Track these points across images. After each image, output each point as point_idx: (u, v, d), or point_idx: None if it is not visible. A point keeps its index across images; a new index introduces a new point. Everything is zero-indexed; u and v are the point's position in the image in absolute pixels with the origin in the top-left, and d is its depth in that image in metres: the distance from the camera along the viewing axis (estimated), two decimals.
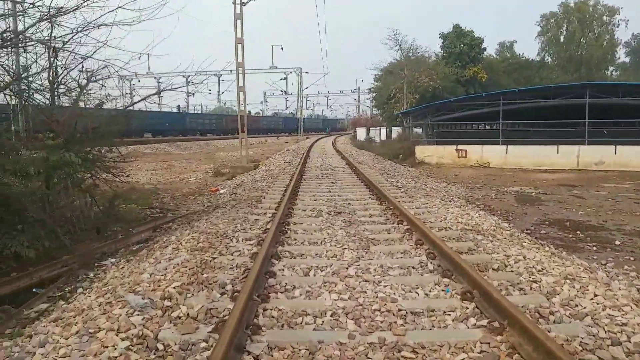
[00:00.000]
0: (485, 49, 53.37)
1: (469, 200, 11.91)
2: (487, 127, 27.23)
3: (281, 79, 67.31)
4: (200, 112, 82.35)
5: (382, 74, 51.02)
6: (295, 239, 6.10)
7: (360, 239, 6.06)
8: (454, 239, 6.12)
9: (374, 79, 56.10)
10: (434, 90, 41.67)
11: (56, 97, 9.21)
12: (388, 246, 5.81)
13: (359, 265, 4.93)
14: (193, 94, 77.42)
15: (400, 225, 6.86)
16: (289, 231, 6.51)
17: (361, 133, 49.04)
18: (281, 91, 70.44)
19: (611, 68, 67.30)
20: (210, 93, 79.11)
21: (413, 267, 4.92)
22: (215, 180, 16.94)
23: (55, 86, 9.12)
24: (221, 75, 76.09)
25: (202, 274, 4.53)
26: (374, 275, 4.60)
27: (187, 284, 4.27)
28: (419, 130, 42.72)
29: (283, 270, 4.80)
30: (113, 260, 6.91)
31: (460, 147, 21.95)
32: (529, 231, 8.61)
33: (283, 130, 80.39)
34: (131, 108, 10.38)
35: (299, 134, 65.03)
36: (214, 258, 5.09)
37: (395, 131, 42.04)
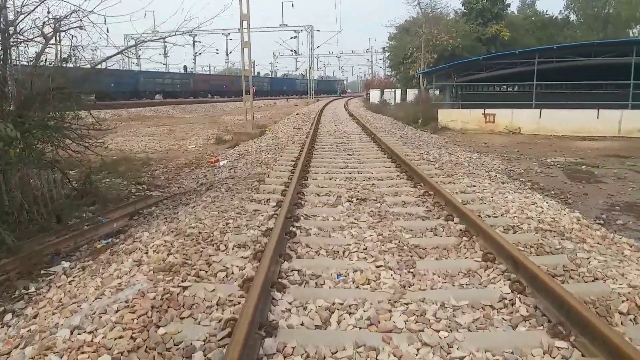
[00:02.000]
0: (509, 5, 50.19)
1: (510, 176, 10.04)
2: (516, 89, 24.89)
3: (291, 38, 64.33)
4: (208, 72, 79.13)
5: (398, 32, 48.25)
6: (307, 247, 4.33)
7: (400, 247, 4.27)
8: (532, 247, 4.30)
9: (389, 37, 53.20)
10: (453, 50, 39.10)
11: (9, 51, 7.36)
12: (443, 262, 4.01)
13: (407, 303, 3.17)
14: (200, 54, 74.99)
15: (449, 222, 5.05)
16: (298, 231, 4.73)
17: (375, 95, 46.69)
18: (291, 51, 67.51)
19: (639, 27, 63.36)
20: (217, 53, 76.54)
21: (493, 308, 3.15)
22: (216, 149, 15.16)
23: (6, 35, 7.26)
24: (229, 34, 73.37)
25: (159, 327, 2.79)
26: (435, 329, 2.84)
27: (127, 350, 2.55)
28: (436, 92, 40.49)
29: (289, 314, 3.05)
30: (66, 265, 5.22)
31: (488, 111, 19.82)
32: (600, 221, 6.78)
33: (296, 92, 77.73)
34: (106, 66, 8.47)
35: (309, 97, 62.55)
36: (185, 288, 3.34)
37: (412, 93, 39.78)
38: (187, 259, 3.91)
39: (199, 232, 4.62)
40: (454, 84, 21.42)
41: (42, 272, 5.10)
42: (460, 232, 4.66)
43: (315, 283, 3.59)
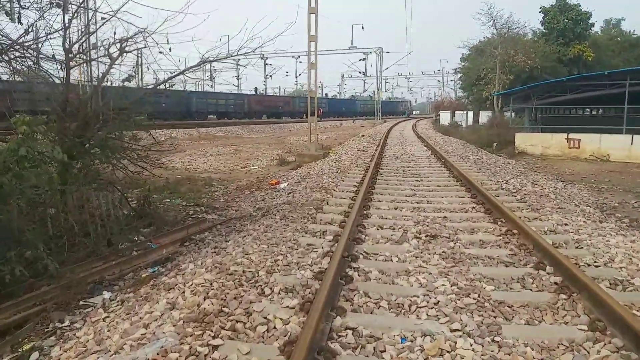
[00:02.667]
0: (592, 25, 47.21)
1: (603, 210, 8.77)
2: (602, 112, 22.86)
3: (360, 60, 64.32)
4: (271, 94, 79.10)
5: (471, 53, 46.79)
6: (365, 295, 3.64)
7: (480, 304, 3.48)
8: None
9: (461, 59, 51.79)
10: (531, 71, 37.04)
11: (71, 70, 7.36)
12: (536, 328, 3.17)
13: None
14: (271, 76, 76.93)
15: (540, 271, 4.16)
16: (355, 274, 4.06)
17: (445, 117, 45.17)
18: (360, 72, 67.47)
19: None
20: (288, 75, 78.20)
21: None
22: (278, 170, 14.84)
23: (70, 55, 7.26)
24: (299, 56, 74.73)
25: None
26: None
27: None
28: (512, 115, 38.40)
29: None
30: (107, 295, 4.86)
31: (572, 135, 18.16)
32: None
33: (355, 114, 76.77)
34: (169, 86, 8.34)
35: (376, 118, 61.92)
36: (216, 347, 2.76)
37: (485, 115, 38.05)
38: (224, 306, 3.35)
39: (244, 271, 4.06)
40: (533, 106, 19.92)
41: (81, 302, 4.77)
42: (556, 287, 3.78)
43: (374, 349, 2.89)
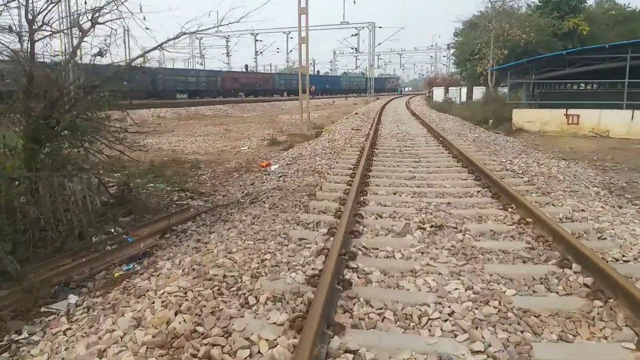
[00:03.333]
0: None
1: (611, 190, 8.28)
2: (602, 87, 22.29)
3: (352, 36, 63.04)
4: (253, 70, 73.12)
5: (465, 28, 45.99)
6: (366, 305, 3.11)
7: (502, 314, 2.95)
8: None
9: (454, 34, 50.94)
10: (526, 45, 36.31)
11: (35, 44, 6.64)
12: (572, 347, 2.65)
13: None
14: (261, 52, 75.35)
15: (565, 269, 3.64)
16: (355, 276, 3.53)
17: (438, 93, 44.46)
18: (352, 48, 66.24)
19: None
20: (278, 51, 76.65)
21: None
22: (269, 151, 14.22)
23: (33, 27, 6.53)
24: (289, 32, 73.07)
25: None
26: None
27: None
28: (505, 90, 37.74)
29: None
30: (73, 300, 4.29)
31: (571, 111, 17.62)
32: None
33: (340, 91, 74.59)
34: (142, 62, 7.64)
35: (369, 95, 61.04)
36: None
37: (479, 91, 37.42)
38: (198, 324, 2.79)
39: (224, 276, 3.50)
40: (532, 81, 19.29)
41: (43, 309, 4.21)
42: (588, 290, 3.26)
43: None
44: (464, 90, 42.41)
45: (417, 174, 7.83)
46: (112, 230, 6.30)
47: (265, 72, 74.89)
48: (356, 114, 25.94)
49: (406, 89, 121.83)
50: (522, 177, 7.35)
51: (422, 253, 4.08)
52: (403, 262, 3.90)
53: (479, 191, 6.46)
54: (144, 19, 7.17)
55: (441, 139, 12.31)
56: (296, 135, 15.20)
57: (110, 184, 8.83)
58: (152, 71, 42.64)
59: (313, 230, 4.77)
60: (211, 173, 11.01)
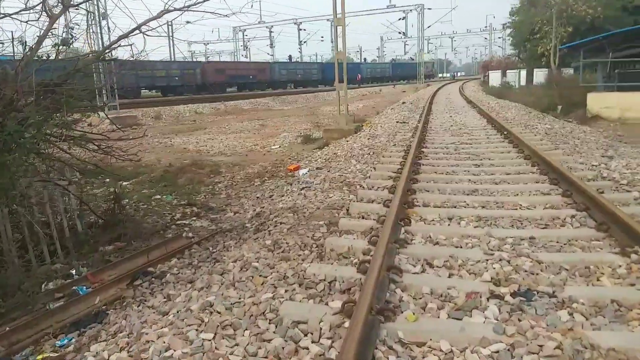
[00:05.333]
0: None
1: None
2: None
3: (399, 19, 60.08)
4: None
5: (523, 5, 42.43)
6: None
7: None
8: None
9: (510, 12, 47.31)
10: (592, 21, 32.74)
11: None
12: None
13: None
14: (305, 42, 73.66)
15: None
16: None
17: (495, 77, 41.24)
18: (399, 33, 63.25)
19: None
20: (322, 40, 74.71)
21: None
22: (302, 150, 12.55)
23: None
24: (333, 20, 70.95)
25: None
26: None
27: None
28: (570, 70, 34.21)
29: None
30: None
31: None
32: None
33: (391, 78, 69.06)
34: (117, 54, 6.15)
35: (419, 81, 58.09)
36: None
37: (542, 74, 34.15)
38: None
39: None
40: (609, 60, 16.49)
41: None
42: None
43: None
44: (524, 73, 39.04)
45: (480, 185, 5.90)
46: (73, 271, 4.82)
47: (262, 61, 64.08)
48: (403, 103, 23.78)
49: (459, 74, 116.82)
50: (629, 191, 5.26)
51: (505, 350, 2.26)
52: None
53: (573, 216, 4.48)
54: None
55: (505, 132, 10.18)
56: (333, 131, 13.42)
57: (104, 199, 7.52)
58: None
59: (320, 301, 3.02)
60: (230, 180, 9.47)
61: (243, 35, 73.08)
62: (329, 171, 8.10)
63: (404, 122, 14.04)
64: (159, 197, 8.40)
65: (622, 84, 16.30)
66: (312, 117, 21.99)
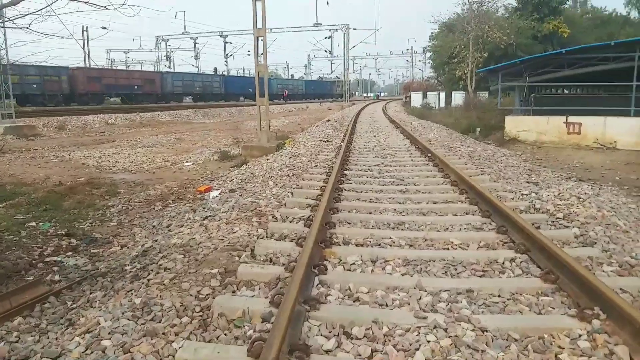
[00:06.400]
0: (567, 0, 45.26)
1: None
2: (603, 91, 20.22)
3: (326, 38, 60.53)
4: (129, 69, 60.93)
5: (442, 30, 44.32)
6: None
7: None
8: None
9: (430, 37, 49.35)
10: (506, 48, 34.73)
11: None
12: None
13: None
14: (232, 55, 72.16)
15: None
16: None
17: (416, 98, 42.40)
18: (326, 51, 63.70)
19: None
20: (249, 54, 73.61)
21: None
22: (218, 168, 11.45)
23: None
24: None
25: None
26: None
27: None
28: (485, 94, 35.83)
29: None
30: None
31: (572, 119, 15.36)
32: None
33: (321, 95, 66.56)
34: None
35: (344, 100, 58.62)
36: None
37: (459, 96, 35.53)
38: None
39: None
40: (526, 84, 16.98)
41: None
42: None
43: None
44: (443, 95, 40.52)
45: (407, 217, 5.21)
46: None
47: (150, 70, 58.10)
48: (328, 120, 23.34)
49: (382, 94, 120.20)
50: (568, 227, 4.78)
51: None
52: None
53: (512, 259, 3.86)
54: None
55: (429, 154, 9.76)
56: (253, 148, 12.47)
57: None
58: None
59: None
60: (126, 202, 8.19)
61: (166, 45, 70.32)
62: (241, 195, 7.13)
63: (327, 141, 13.38)
64: (34, 224, 6.97)
65: (539, 108, 16.83)
66: (234, 132, 20.85)
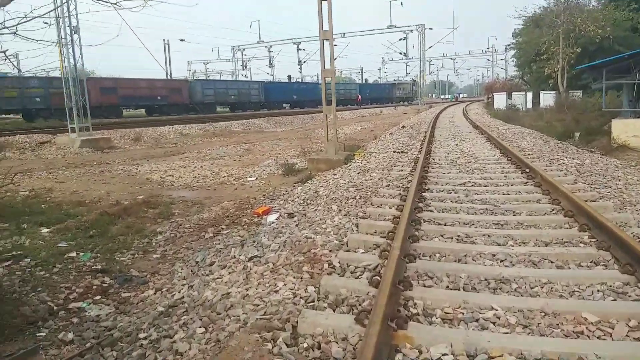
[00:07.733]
0: None
1: None
2: None
3: (400, 39, 58.65)
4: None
5: (526, 26, 40.94)
6: None
7: None
8: None
9: (514, 34, 45.81)
10: (601, 42, 31.14)
11: None
12: None
13: None
14: (305, 62, 72.17)
15: None
16: None
17: (500, 100, 39.52)
18: (400, 53, 61.75)
19: None
20: None
21: None
22: (281, 184, 10.51)
23: None
24: (334, 39, 69.66)
25: None
26: None
27: None
28: (579, 93, 32.39)
29: None
30: None
31: None
32: None
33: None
34: None
35: (420, 103, 56.35)
36: None
37: (549, 96, 32.47)
38: None
39: None
40: (636, 81, 14.54)
41: None
42: None
43: None
44: (530, 95, 37.31)
45: (511, 269, 3.81)
46: None
47: (176, 79, 54.15)
48: (403, 127, 21.81)
49: (461, 96, 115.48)
50: None
51: None
52: None
53: None
54: None
55: (527, 169, 8.12)
56: (319, 161, 11.40)
57: None
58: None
59: None
60: (176, 229, 7.39)
61: (242, 54, 71.85)
62: (297, 225, 6.03)
63: (402, 152, 12.00)
64: (74, 254, 6.32)
65: None
66: (304, 141, 20.04)
